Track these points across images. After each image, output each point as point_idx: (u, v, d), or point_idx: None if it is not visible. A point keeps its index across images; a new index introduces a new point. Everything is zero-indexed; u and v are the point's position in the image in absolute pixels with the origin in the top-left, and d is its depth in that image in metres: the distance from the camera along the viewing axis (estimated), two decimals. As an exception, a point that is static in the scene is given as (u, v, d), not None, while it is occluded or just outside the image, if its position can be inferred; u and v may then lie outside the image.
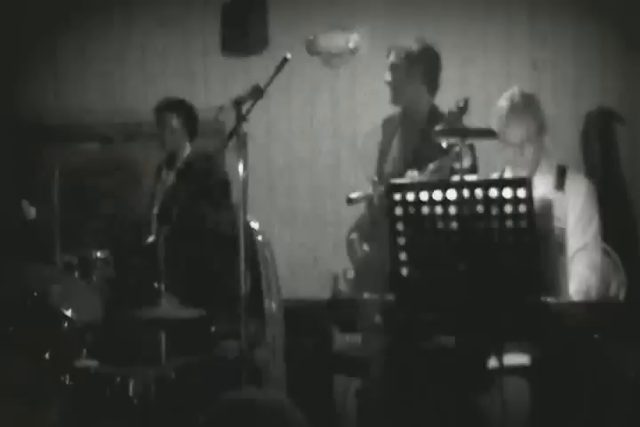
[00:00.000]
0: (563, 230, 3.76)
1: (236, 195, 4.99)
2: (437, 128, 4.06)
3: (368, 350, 4.33)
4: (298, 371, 4.88)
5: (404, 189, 3.65)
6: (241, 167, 4.12)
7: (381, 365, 4.14)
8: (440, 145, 4.07)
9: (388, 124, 5.20)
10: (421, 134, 4.81)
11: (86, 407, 4.16)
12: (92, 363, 4.37)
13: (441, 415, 3.95)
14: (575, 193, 4.19)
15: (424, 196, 3.61)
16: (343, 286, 4.53)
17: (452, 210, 3.58)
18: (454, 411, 3.94)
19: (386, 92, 5.04)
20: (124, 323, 4.66)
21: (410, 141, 4.99)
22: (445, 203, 3.58)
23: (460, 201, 3.57)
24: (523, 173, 4.10)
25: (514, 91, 4.22)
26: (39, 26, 6.56)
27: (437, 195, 3.59)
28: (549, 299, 3.71)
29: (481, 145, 4.36)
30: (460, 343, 3.85)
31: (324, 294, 4.47)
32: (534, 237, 3.54)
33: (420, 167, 4.28)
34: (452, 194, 3.58)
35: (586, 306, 3.94)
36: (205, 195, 5.44)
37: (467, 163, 3.88)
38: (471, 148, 4.06)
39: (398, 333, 4.02)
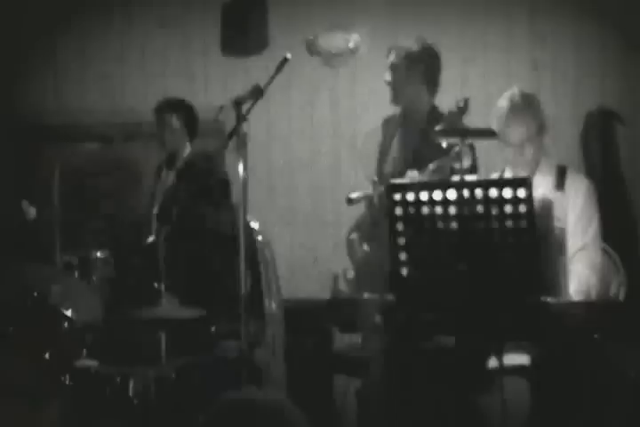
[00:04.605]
0: (563, 230, 3.76)
1: (235, 195, 4.99)
2: (437, 128, 4.07)
3: (368, 350, 4.33)
4: (298, 371, 4.87)
5: (403, 189, 3.65)
6: (241, 167, 4.12)
7: (381, 365, 4.14)
8: (440, 145, 4.08)
9: (387, 124, 5.20)
10: (421, 134, 4.81)
11: (86, 407, 4.16)
12: (92, 363, 4.37)
13: (441, 415, 3.95)
14: (575, 193, 4.19)
15: (424, 196, 3.61)
16: (343, 286, 4.53)
17: (452, 210, 3.59)
18: (454, 411, 3.94)
19: (386, 92, 5.04)
20: (123, 323, 4.66)
21: (410, 141, 4.99)
22: (445, 203, 3.58)
23: (460, 201, 3.57)
24: (523, 173, 4.10)
25: (514, 91, 4.22)
26: (39, 26, 6.56)
27: (437, 195, 3.60)
28: (549, 299, 3.71)
29: (481, 145, 4.36)
30: (460, 343, 3.85)
31: (324, 294, 4.47)
32: (534, 237, 3.54)
33: (420, 167, 4.28)
34: (452, 194, 3.58)
35: (586, 306, 3.94)
36: (205, 195, 5.44)
37: (467, 163, 3.88)
38: (471, 148, 4.07)
39: (398, 333, 4.02)
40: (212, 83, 6.54)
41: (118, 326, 4.67)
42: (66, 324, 4.28)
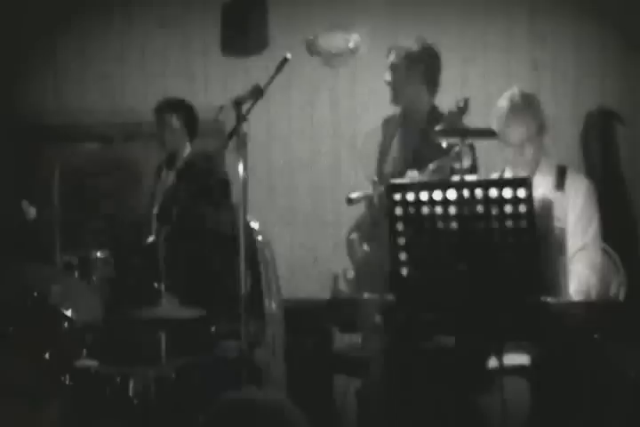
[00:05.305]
0: (563, 230, 3.76)
1: (235, 195, 4.99)
2: (437, 128, 4.07)
3: (368, 350, 4.33)
4: (298, 371, 4.87)
5: (403, 189, 3.65)
6: (241, 167, 4.12)
7: (381, 365, 4.14)
8: (440, 145, 4.08)
9: (387, 124, 5.20)
10: (421, 134, 4.81)
11: (86, 407, 4.16)
12: (92, 363, 4.37)
13: (441, 415, 3.95)
14: (575, 193, 4.19)
15: (424, 196, 3.61)
16: (343, 286, 4.53)
17: (452, 210, 3.59)
18: (454, 411, 3.94)
19: (386, 92, 5.04)
20: (123, 323, 4.66)
21: (410, 141, 4.99)
22: (445, 203, 3.58)
23: (460, 201, 3.57)
24: (523, 173, 4.10)
25: (514, 91, 4.22)
26: (39, 26, 6.56)
27: (437, 195, 3.60)
28: (549, 299, 3.71)
29: (481, 145, 4.36)
30: (460, 343, 3.85)
31: (324, 294, 4.47)
32: (534, 237, 3.54)
33: (420, 167, 4.28)
34: (452, 194, 3.58)
35: (586, 306, 3.94)
36: (205, 195, 5.44)
37: (467, 163, 3.88)
38: (471, 148, 4.07)
39: (398, 333, 4.02)
40: (212, 83, 6.54)
41: (118, 326, 4.67)
42: (66, 324, 4.28)
